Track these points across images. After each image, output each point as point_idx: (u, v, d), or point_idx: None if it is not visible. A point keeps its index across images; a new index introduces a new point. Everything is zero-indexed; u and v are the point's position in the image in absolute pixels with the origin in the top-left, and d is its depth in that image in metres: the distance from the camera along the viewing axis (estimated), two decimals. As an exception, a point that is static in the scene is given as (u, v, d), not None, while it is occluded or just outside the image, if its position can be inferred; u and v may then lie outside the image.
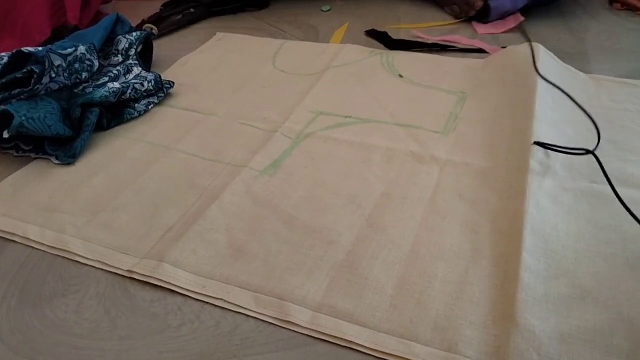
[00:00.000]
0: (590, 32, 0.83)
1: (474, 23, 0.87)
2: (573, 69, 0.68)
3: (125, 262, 0.43)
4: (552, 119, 0.57)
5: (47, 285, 0.42)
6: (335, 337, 0.37)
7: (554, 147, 0.51)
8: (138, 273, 0.42)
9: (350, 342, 0.37)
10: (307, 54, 0.78)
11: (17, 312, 0.40)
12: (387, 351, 0.36)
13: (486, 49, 0.77)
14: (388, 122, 0.61)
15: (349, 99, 0.65)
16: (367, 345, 0.36)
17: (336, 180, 0.52)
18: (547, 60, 0.66)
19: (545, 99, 0.59)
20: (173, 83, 0.69)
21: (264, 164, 0.54)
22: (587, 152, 0.50)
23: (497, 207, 0.47)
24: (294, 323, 0.38)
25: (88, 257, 0.44)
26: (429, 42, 0.79)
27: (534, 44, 0.68)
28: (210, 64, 0.77)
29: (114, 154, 0.57)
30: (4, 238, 0.47)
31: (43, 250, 0.45)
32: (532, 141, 0.51)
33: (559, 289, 0.39)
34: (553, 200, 0.47)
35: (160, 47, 0.83)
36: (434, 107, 0.63)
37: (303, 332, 0.38)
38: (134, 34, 0.70)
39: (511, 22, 0.86)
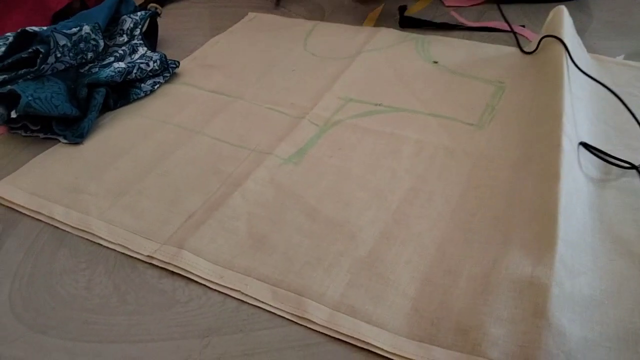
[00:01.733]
0: (600, 7, 0.78)
1: None
2: (582, 44, 0.65)
3: (146, 248, 0.43)
4: (591, 115, 0.53)
5: (57, 262, 0.43)
6: (353, 337, 0.36)
7: (598, 154, 0.48)
8: (158, 259, 0.42)
9: (368, 344, 0.36)
10: (339, 37, 0.76)
11: (29, 288, 0.40)
12: (406, 356, 0.35)
13: (527, 36, 0.72)
14: (421, 112, 0.58)
15: (381, 85, 0.63)
16: (386, 349, 0.35)
17: (362, 172, 0.50)
18: (575, 41, 0.63)
19: (582, 94, 0.56)
20: (178, 63, 0.68)
21: (289, 152, 0.53)
22: (632, 167, 0.47)
23: (532, 199, 0.45)
24: (311, 321, 0.37)
25: (110, 240, 0.44)
26: (467, 26, 0.76)
27: (558, 7, 0.65)
28: (240, 45, 0.76)
29: (140, 135, 0.57)
30: (18, 212, 0.48)
31: (54, 227, 0.46)
32: (562, 134, 0.48)
33: (582, 289, 0.37)
34: (575, 187, 0.44)
35: (180, 26, 0.82)
36: (469, 97, 0.60)
37: (319, 330, 0.37)
38: (138, 13, 0.70)
39: None
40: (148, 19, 0.71)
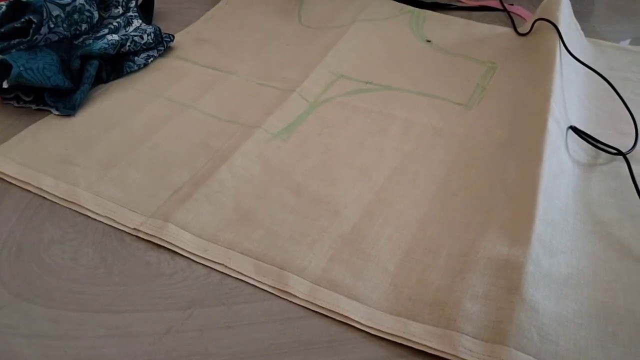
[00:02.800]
0: None
1: None
2: (579, 27, 0.65)
3: (132, 220, 0.44)
4: (583, 98, 0.53)
5: (46, 233, 0.43)
6: (332, 311, 0.37)
7: (588, 138, 0.48)
8: (144, 232, 0.42)
9: (347, 317, 0.37)
10: (334, 3, 0.75)
11: (17, 257, 0.41)
12: (383, 329, 0.36)
13: (523, 15, 0.72)
14: (410, 90, 0.58)
15: (372, 62, 0.63)
16: (364, 322, 0.36)
17: (349, 151, 0.51)
18: (570, 25, 0.62)
19: (574, 77, 0.56)
20: (173, 37, 0.68)
21: (278, 127, 0.53)
22: (619, 152, 0.47)
23: (514, 179, 0.45)
24: (291, 294, 0.38)
25: (97, 212, 0.45)
26: (461, 5, 0.75)
27: None
28: (235, 19, 0.75)
29: (132, 108, 0.57)
30: (8, 182, 0.48)
31: (43, 197, 0.47)
32: (549, 116, 0.48)
33: (560, 267, 0.38)
34: (560, 169, 0.45)
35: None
36: (460, 77, 0.60)
37: (300, 303, 0.38)
38: None
39: None
40: None
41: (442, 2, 0.76)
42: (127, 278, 0.39)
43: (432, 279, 0.38)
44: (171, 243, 0.42)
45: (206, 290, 0.39)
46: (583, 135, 0.49)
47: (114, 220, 0.44)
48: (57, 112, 0.56)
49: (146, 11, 0.73)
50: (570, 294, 0.37)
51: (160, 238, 0.42)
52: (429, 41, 0.67)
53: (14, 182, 0.48)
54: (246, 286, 0.39)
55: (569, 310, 0.36)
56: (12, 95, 0.57)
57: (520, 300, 0.35)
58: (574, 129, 0.49)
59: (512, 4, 0.75)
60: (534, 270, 0.36)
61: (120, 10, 0.67)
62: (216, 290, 0.39)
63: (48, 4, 0.57)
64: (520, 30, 0.67)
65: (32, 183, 0.47)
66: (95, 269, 0.40)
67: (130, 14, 0.67)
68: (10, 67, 0.53)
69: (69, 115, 0.56)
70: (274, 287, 0.39)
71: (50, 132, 0.54)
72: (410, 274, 0.39)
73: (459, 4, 0.76)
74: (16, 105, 0.57)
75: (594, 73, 0.57)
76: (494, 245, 0.39)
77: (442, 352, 0.34)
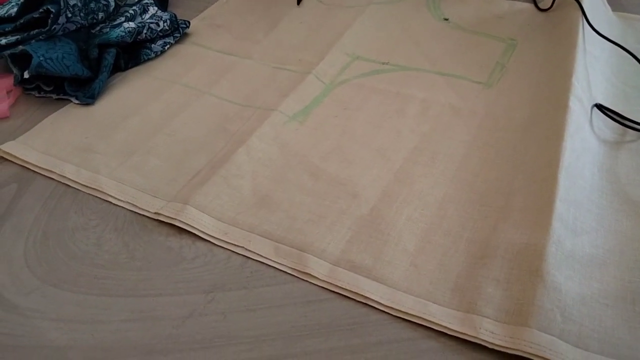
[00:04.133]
0: None
1: None
2: (606, 1, 0.62)
3: (153, 205, 0.44)
4: (609, 75, 0.52)
5: (70, 220, 0.44)
6: (352, 291, 0.37)
7: (613, 115, 0.47)
8: (164, 215, 0.43)
9: (367, 298, 0.37)
10: None
11: (43, 243, 0.42)
12: (403, 309, 0.36)
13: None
14: (428, 70, 0.57)
15: (388, 42, 0.62)
16: (384, 303, 0.36)
17: (367, 132, 0.50)
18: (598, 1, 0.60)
19: (600, 53, 0.54)
20: (189, 23, 0.68)
21: (294, 109, 0.53)
22: None
23: (535, 158, 0.44)
24: (311, 275, 0.38)
25: (119, 197, 0.45)
26: None
27: None
28: (249, 2, 0.75)
29: (149, 95, 0.58)
30: (32, 171, 0.49)
31: (67, 185, 0.47)
32: (571, 95, 0.47)
33: (584, 248, 0.37)
34: (583, 148, 0.44)
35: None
36: (479, 55, 0.59)
37: (320, 284, 0.38)
38: None
39: None
40: None
41: None
42: (149, 263, 0.40)
43: (452, 264, 0.38)
44: (191, 225, 0.42)
45: (227, 274, 0.39)
46: (608, 113, 0.47)
47: (135, 205, 0.45)
48: (77, 101, 0.57)
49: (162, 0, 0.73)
50: (595, 274, 0.36)
51: (180, 220, 0.42)
52: (446, 19, 0.66)
53: (37, 170, 0.49)
54: (267, 269, 0.39)
55: (594, 290, 0.35)
56: (33, 86, 0.57)
57: (541, 281, 0.34)
58: (599, 107, 0.47)
59: None
60: (556, 251, 0.36)
61: None
62: (237, 274, 0.39)
63: None
64: (541, 5, 0.65)
65: (54, 170, 0.48)
66: (118, 254, 0.41)
67: (146, 1, 0.67)
68: (30, 57, 0.53)
69: (88, 104, 0.56)
70: (293, 269, 0.39)
71: (70, 120, 0.55)
72: (430, 257, 0.39)
73: None
74: (37, 95, 0.58)
75: (620, 49, 0.55)
76: (515, 229, 0.39)
77: (463, 334, 0.34)
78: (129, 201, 0.45)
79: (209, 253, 0.41)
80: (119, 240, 0.42)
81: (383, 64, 0.59)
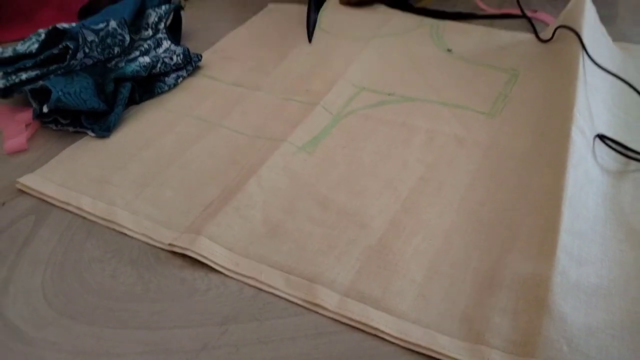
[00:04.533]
0: None
1: None
2: (606, 32, 0.64)
3: (167, 237, 0.45)
4: (611, 105, 0.53)
5: (86, 252, 0.45)
6: (362, 322, 0.38)
7: (615, 146, 0.48)
8: (177, 246, 0.44)
9: (376, 329, 0.37)
10: (354, 15, 0.76)
11: (60, 275, 0.43)
12: (412, 341, 0.36)
13: (546, 20, 0.72)
14: (433, 101, 0.59)
15: (394, 74, 0.64)
16: (393, 334, 0.37)
17: (374, 162, 0.51)
18: (595, 31, 0.62)
19: (601, 85, 0.55)
20: (201, 56, 0.70)
21: (303, 140, 0.54)
22: None
23: (538, 188, 0.45)
24: (321, 306, 0.39)
25: (134, 229, 0.47)
26: (484, 14, 0.75)
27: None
28: (259, 35, 0.77)
29: (163, 127, 0.59)
30: (49, 203, 0.50)
31: (83, 217, 0.49)
32: (573, 126, 0.48)
33: (589, 278, 0.38)
34: (586, 179, 0.44)
35: (204, 18, 0.84)
36: (482, 85, 0.60)
37: (330, 315, 0.39)
38: (163, 7, 0.71)
39: None
40: (172, 12, 0.72)
41: (465, 12, 0.76)
42: (163, 295, 0.41)
43: (460, 294, 0.39)
44: (203, 256, 0.43)
45: (240, 306, 0.40)
46: (610, 143, 0.48)
47: (150, 237, 0.46)
48: (93, 134, 0.58)
49: (174, 32, 0.75)
50: (600, 305, 0.37)
51: (193, 251, 0.43)
52: (449, 50, 0.67)
53: (54, 202, 0.50)
54: (279, 301, 0.40)
55: (600, 320, 0.36)
56: (50, 119, 0.59)
57: (547, 311, 0.35)
58: (601, 138, 0.48)
59: (536, 11, 0.75)
60: (561, 282, 0.36)
61: (150, 32, 0.70)
62: (250, 305, 0.40)
63: (84, 30, 0.60)
64: (542, 36, 0.67)
65: (71, 203, 0.50)
66: (133, 286, 0.42)
67: (160, 35, 0.69)
68: (49, 92, 0.55)
69: (104, 137, 0.58)
70: (304, 300, 0.40)
71: (86, 153, 0.56)
72: (438, 287, 0.40)
73: (481, 13, 0.76)
74: (54, 128, 0.60)
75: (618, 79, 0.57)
76: (521, 259, 0.39)
77: (471, 365, 0.34)
78: (144, 233, 0.46)
79: (222, 285, 0.41)
80: (134, 272, 0.43)
81: (389, 95, 0.60)
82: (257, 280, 0.41)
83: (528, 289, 0.37)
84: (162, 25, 0.70)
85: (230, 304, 0.40)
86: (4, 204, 0.50)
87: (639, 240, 0.41)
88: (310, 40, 0.73)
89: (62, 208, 0.50)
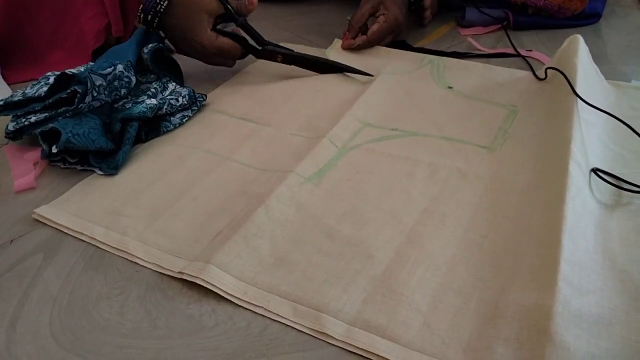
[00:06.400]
0: (618, 31, 0.80)
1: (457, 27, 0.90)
2: (599, 71, 0.67)
3: (176, 265, 0.46)
4: (606, 140, 0.55)
5: (93, 289, 0.45)
6: (368, 351, 0.39)
7: (609, 179, 0.50)
8: (187, 274, 0.45)
9: (382, 357, 0.38)
10: (359, 54, 0.80)
11: (67, 312, 0.43)
12: (417, 369, 0.37)
13: (541, 59, 0.75)
14: (435, 136, 0.61)
15: (397, 110, 0.66)
16: (398, 362, 0.38)
17: (379, 195, 0.53)
18: (589, 69, 0.64)
19: (595, 120, 0.57)
20: (205, 96, 0.72)
21: (309, 171, 0.56)
22: None
23: (539, 220, 0.47)
24: (328, 335, 0.40)
25: (146, 259, 0.48)
26: (480, 52, 0.79)
27: (574, 36, 0.67)
28: (269, 73, 0.80)
29: (174, 162, 0.61)
30: (58, 240, 0.51)
31: (90, 255, 0.49)
32: (570, 160, 0.50)
33: (590, 307, 0.39)
34: (584, 210, 0.46)
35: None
36: (483, 120, 0.63)
37: (337, 344, 0.39)
38: (148, 46, 0.71)
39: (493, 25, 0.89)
40: (157, 51, 0.72)
41: (461, 51, 0.80)
42: (171, 331, 0.41)
43: (464, 324, 0.40)
44: (212, 284, 0.43)
45: (247, 342, 0.40)
46: (604, 176, 0.50)
47: (161, 266, 0.47)
48: (100, 172, 0.59)
49: (176, 74, 0.76)
50: (602, 334, 0.38)
51: (202, 279, 0.44)
52: (450, 87, 0.70)
53: (69, 232, 0.52)
54: (286, 336, 0.40)
55: (602, 350, 0.37)
56: (58, 158, 0.61)
57: (550, 340, 0.36)
58: (596, 171, 0.50)
59: (531, 50, 0.78)
60: (563, 311, 0.37)
61: (154, 75, 0.71)
62: (257, 341, 0.40)
63: (92, 75, 0.61)
64: (538, 74, 0.70)
65: (85, 233, 0.51)
66: (141, 322, 0.42)
67: (165, 79, 0.71)
68: (59, 133, 0.57)
69: (112, 175, 0.59)
70: (311, 329, 0.41)
71: (99, 186, 0.58)
72: (442, 317, 0.40)
73: (477, 52, 0.80)
74: (62, 166, 0.61)
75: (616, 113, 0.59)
76: (523, 289, 0.41)
77: (476, 393, 0.35)
78: (155, 262, 0.47)
79: (229, 320, 0.42)
80: (142, 309, 0.43)
81: (392, 130, 0.63)
82: (265, 309, 0.42)
83: (531, 318, 0.38)
84: (153, 67, 0.70)
85: (238, 340, 0.40)
86: (12, 241, 0.51)
87: (637, 270, 0.42)
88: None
89: (72, 244, 0.50)
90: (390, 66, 0.76)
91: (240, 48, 0.74)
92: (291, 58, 0.77)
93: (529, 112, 0.63)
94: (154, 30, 0.73)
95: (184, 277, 0.45)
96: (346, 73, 0.74)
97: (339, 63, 0.76)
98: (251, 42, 0.76)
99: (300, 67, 0.77)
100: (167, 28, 0.72)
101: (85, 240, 0.51)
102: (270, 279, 0.45)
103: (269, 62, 0.79)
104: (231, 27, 0.77)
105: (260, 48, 0.76)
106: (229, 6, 0.72)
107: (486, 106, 0.65)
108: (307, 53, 0.78)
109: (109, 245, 0.50)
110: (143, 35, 0.73)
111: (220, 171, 0.59)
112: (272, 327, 0.41)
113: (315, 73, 0.76)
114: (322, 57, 0.78)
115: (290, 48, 0.79)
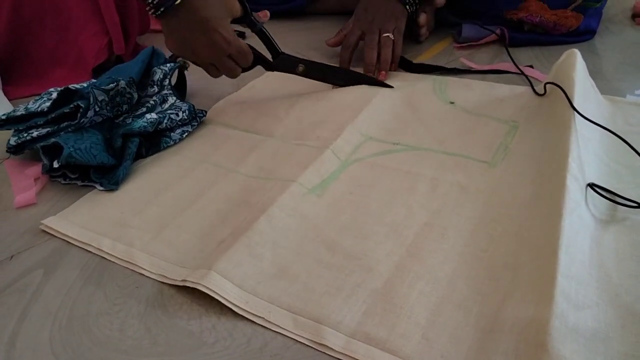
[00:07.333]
0: (612, 48, 0.80)
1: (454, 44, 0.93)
2: (595, 86, 0.68)
3: (180, 274, 0.47)
4: (602, 154, 0.56)
5: (94, 304, 0.46)
6: (367, 363, 0.39)
7: (605, 194, 0.50)
8: (189, 281, 0.45)
9: (381, 369, 0.39)
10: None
11: (67, 329, 0.43)
12: (415, 382, 0.38)
13: (537, 77, 0.76)
14: (436, 150, 0.62)
15: (399, 124, 0.67)
16: (397, 376, 0.38)
17: (380, 208, 0.54)
18: (586, 84, 0.65)
19: (592, 135, 0.58)
20: (205, 112, 0.73)
21: (312, 182, 0.57)
22: (639, 205, 0.49)
23: (537, 235, 0.47)
24: (328, 347, 0.40)
25: (151, 270, 0.49)
26: (477, 69, 0.80)
27: (571, 50, 0.68)
28: (274, 86, 0.81)
29: (181, 173, 0.62)
30: (59, 256, 0.51)
31: (93, 267, 0.49)
32: (568, 174, 0.50)
33: (587, 322, 0.39)
34: (581, 225, 0.46)
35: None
36: (484, 136, 0.63)
37: (336, 356, 0.40)
38: (167, 65, 0.73)
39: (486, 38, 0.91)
40: (177, 70, 0.75)
41: (460, 67, 0.81)
42: (171, 348, 0.41)
43: (463, 337, 0.40)
44: (214, 291, 0.44)
45: (248, 358, 0.40)
46: (600, 191, 0.51)
47: (166, 277, 0.48)
48: (101, 188, 0.60)
49: (180, 89, 0.78)
50: (599, 348, 0.38)
51: (204, 285, 0.44)
52: (452, 103, 0.71)
53: (76, 243, 0.53)
54: (286, 352, 0.40)
55: None
56: (59, 174, 0.61)
57: (547, 355, 0.36)
58: (592, 186, 0.51)
59: (531, 66, 0.79)
60: (560, 326, 0.38)
61: (156, 89, 0.72)
62: (257, 357, 0.40)
63: (94, 90, 0.63)
64: (537, 90, 0.71)
65: (92, 244, 0.52)
66: (141, 339, 0.42)
67: (165, 92, 0.72)
68: (60, 148, 0.58)
69: (112, 190, 0.60)
70: (311, 340, 0.41)
71: (105, 198, 0.59)
72: (441, 330, 0.41)
73: (474, 69, 0.81)
74: (63, 182, 0.62)
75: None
76: (522, 303, 0.41)
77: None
78: (160, 273, 0.48)
79: (229, 337, 0.42)
80: (142, 325, 0.43)
81: (394, 144, 0.64)
82: (266, 320, 0.43)
83: (529, 332, 0.39)
84: (167, 82, 0.72)
85: (238, 356, 0.40)
86: (12, 257, 0.51)
87: (633, 284, 0.43)
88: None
89: (73, 259, 0.51)
90: (392, 81, 0.77)
91: (253, 55, 0.71)
92: (313, 68, 0.73)
93: (529, 127, 0.64)
94: (164, 14, 0.64)
95: (187, 284, 0.45)
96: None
97: (361, 74, 0.76)
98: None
99: (319, 79, 0.75)
100: (180, 17, 0.63)
101: (92, 251, 0.52)
102: (271, 289, 0.45)
103: (268, 79, 0.80)
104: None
105: (271, 60, 0.74)
106: (249, 10, 0.70)
107: (487, 121, 0.66)
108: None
109: (115, 257, 0.51)
110: (149, 55, 0.74)
111: (226, 183, 0.60)
112: (272, 343, 0.41)
113: (327, 85, 0.76)
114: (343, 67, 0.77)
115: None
